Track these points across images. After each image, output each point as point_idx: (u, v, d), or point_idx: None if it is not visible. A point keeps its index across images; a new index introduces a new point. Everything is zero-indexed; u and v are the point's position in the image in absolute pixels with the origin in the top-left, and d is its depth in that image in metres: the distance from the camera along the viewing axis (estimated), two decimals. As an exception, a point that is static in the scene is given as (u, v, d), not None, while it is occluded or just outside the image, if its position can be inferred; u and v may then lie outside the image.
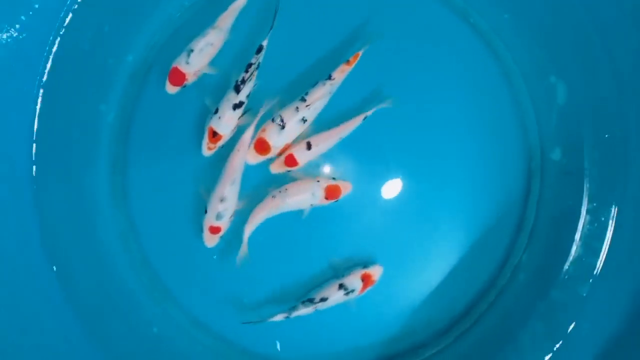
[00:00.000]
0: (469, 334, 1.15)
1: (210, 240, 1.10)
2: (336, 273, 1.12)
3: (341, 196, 1.10)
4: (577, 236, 1.10)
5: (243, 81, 1.07)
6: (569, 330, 1.07)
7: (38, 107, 1.15)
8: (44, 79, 1.15)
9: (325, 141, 1.09)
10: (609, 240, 1.07)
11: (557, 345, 1.07)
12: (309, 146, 1.08)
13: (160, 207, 1.15)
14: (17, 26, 1.10)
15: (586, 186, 1.10)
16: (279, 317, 1.08)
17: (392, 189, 1.14)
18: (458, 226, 1.14)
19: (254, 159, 1.09)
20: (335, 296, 1.08)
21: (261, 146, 1.07)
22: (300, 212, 1.11)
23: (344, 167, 1.14)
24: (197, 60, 1.10)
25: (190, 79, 1.11)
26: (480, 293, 1.15)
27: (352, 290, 1.08)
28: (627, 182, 1.06)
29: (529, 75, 1.15)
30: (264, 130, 1.07)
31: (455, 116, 1.14)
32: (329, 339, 1.15)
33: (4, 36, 1.09)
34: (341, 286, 1.08)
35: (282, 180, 1.10)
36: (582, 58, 1.10)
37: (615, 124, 1.08)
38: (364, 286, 1.09)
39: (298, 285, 1.14)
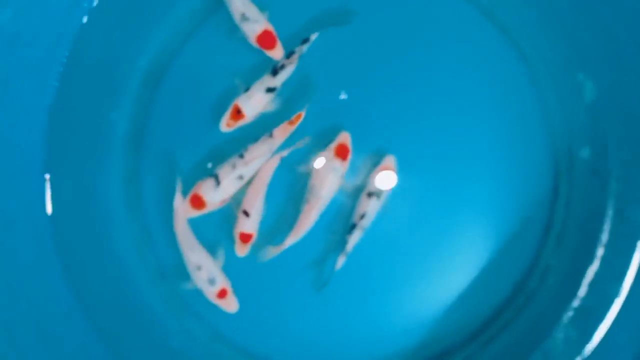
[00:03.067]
0: (497, 340, 1.12)
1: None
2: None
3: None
4: (606, 237, 1.08)
5: (282, 67, 1.06)
6: (601, 336, 1.05)
7: (49, 116, 1.12)
8: (55, 87, 1.12)
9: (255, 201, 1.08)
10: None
11: (589, 351, 1.05)
12: (246, 214, 1.08)
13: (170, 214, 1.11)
14: (27, 33, 1.07)
15: (614, 186, 1.08)
16: (340, 261, 1.08)
17: (415, 191, 1.12)
18: (484, 229, 1.12)
19: (190, 213, 1.08)
20: (371, 206, 1.07)
21: (196, 201, 1.07)
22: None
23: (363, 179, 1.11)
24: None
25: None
26: (509, 297, 1.13)
27: (380, 192, 1.07)
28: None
29: (555, 73, 1.13)
30: (199, 186, 1.06)
31: (480, 116, 1.12)
32: (354, 348, 1.13)
33: (14, 39, 1.06)
34: (370, 195, 1.07)
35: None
36: (610, 55, 1.08)
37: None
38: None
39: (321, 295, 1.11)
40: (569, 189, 1.13)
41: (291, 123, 1.08)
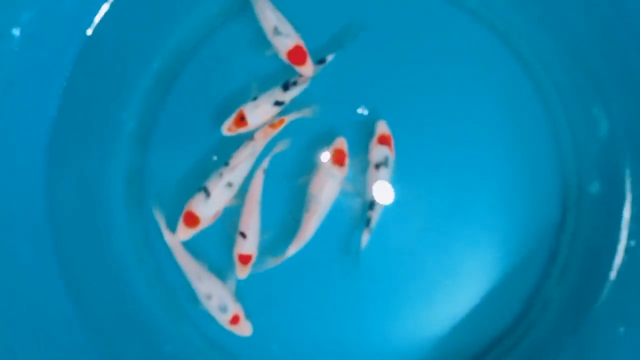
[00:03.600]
0: (494, 368, 1.11)
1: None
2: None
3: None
4: (613, 274, 1.07)
5: (295, 83, 1.06)
6: (600, 372, 1.04)
7: (55, 113, 1.11)
8: (64, 82, 1.11)
9: (251, 220, 1.07)
10: (647, 281, 1.04)
11: (585, 386, 1.04)
12: (243, 235, 1.07)
13: (177, 222, 1.10)
14: (40, 28, 1.06)
15: (625, 223, 1.07)
16: (364, 239, 1.07)
17: (419, 216, 1.11)
18: (489, 256, 1.11)
19: (185, 234, 1.07)
20: (382, 174, 1.07)
21: (189, 219, 1.06)
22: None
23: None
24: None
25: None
26: (509, 326, 1.11)
27: (385, 160, 1.07)
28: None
29: (570, 106, 1.12)
30: (190, 203, 1.05)
31: (491, 143, 1.12)
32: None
33: (25, 37, 1.05)
34: (377, 166, 1.06)
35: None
36: (627, 90, 1.07)
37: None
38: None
39: (318, 306, 1.11)
40: (576, 223, 1.12)
41: (273, 127, 1.07)
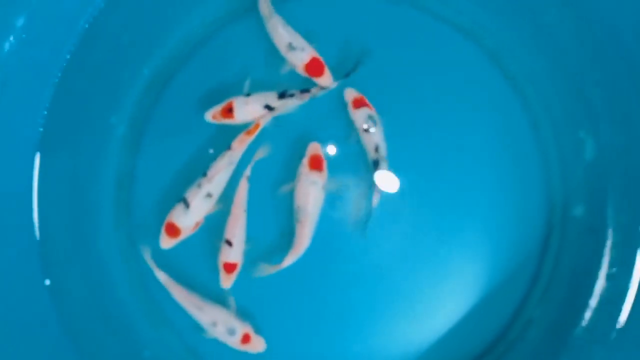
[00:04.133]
0: (472, 387, 1.11)
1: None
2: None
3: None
4: (594, 300, 1.07)
5: (291, 95, 1.06)
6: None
7: (46, 114, 1.11)
8: (55, 85, 1.11)
9: (236, 228, 1.07)
10: (629, 308, 1.04)
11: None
12: (230, 244, 1.07)
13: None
14: (33, 30, 1.06)
15: (608, 248, 1.07)
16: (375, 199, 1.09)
17: (404, 232, 1.11)
18: (470, 274, 1.11)
19: (167, 243, 1.07)
20: (376, 134, 1.07)
21: (170, 230, 1.06)
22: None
23: (356, 207, 1.11)
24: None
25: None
26: (489, 346, 1.11)
27: (372, 118, 1.06)
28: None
29: (558, 128, 1.12)
30: (171, 214, 1.06)
31: (478, 161, 1.12)
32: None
33: (18, 39, 1.05)
34: (366, 130, 1.07)
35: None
36: (615, 116, 1.08)
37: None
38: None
39: (305, 311, 1.11)
40: (559, 245, 1.12)
41: (249, 133, 1.07)
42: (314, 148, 1.08)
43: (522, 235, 1.12)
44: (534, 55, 1.13)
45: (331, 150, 1.11)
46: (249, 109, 1.07)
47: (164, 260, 1.10)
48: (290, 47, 1.07)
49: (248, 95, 1.08)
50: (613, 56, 1.07)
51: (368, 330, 1.10)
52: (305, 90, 1.08)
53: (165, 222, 1.06)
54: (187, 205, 1.05)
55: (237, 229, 1.07)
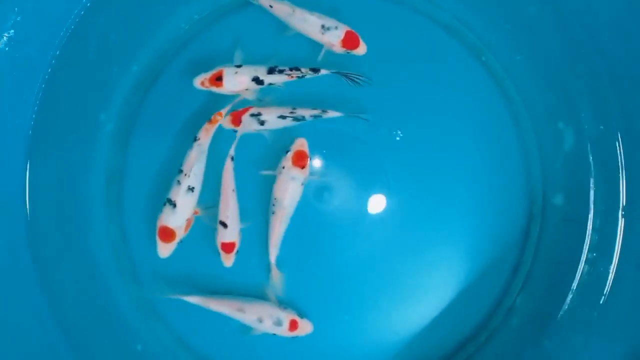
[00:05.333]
0: (456, 375, 1.13)
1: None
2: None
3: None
4: (574, 285, 1.09)
5: (281, 71, 1.07)
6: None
7: (35, 111, 1.12)
8: (44, 83, 1.12)
9: (228, 209, 1.08)
10: (607, 293, 1.06)
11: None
12: (224, 225, 1.08)
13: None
14: (21, 28, 1.07)
15: (587, 235, 1.10)
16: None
17: (390, 222, 1.13)
18: (453, 264, 1.13)
19: (165, 250, 1.09)
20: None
21: (165, 234, 1.07)
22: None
23: (345, 199, 1.13)
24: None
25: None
26: (471, 334, 1.14)
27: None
28: (630, 236, 1.05)
29: (537, 119, 1.14)
30: (160, 219, 1.07)
31: (460, 154, 1.14)
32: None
33: (6, 37, 1.06)
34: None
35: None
36: (593, 107, 1.10)
37: (621, 175, 1.08)
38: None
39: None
40: (540, 233, 1.14)
41: (211, 122, 1.08)
42: (300, 144, 1.09)
43: (503, 225, 1.14)
44: (514, 49, 1.14)
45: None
46: (238, 80, 1.08)
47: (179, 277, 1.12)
48: (324, 28, 1.08)
49: (239, 66, 1.09)
50: (590, 50, 1.09)
51: (352, 319, 1.12)
52: (295, 68, 1.08)
53: (158, 228, 1.07)
54: (173, 204, 1.06)
55: (229, 209, 1.08)
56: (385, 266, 1.12)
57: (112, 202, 1.16)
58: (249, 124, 1.09)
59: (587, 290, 1.08)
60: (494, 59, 1.15)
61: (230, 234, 1.08)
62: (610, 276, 1.06)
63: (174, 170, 1.11)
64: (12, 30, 1.06)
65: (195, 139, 1.08)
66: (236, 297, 1.10)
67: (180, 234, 1.08)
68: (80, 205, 1.15)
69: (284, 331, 1.08)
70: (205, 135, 1.08)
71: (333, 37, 1.09)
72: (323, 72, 1.09)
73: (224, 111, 1.09)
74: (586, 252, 1.10)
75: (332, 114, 1.10)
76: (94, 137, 1.15)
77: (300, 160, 1.08)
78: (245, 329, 1.09)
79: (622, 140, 1.08)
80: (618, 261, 1.06)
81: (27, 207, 1.12)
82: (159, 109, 1.15)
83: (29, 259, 1.10)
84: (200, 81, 1.08)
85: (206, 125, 1.08)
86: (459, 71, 1.15)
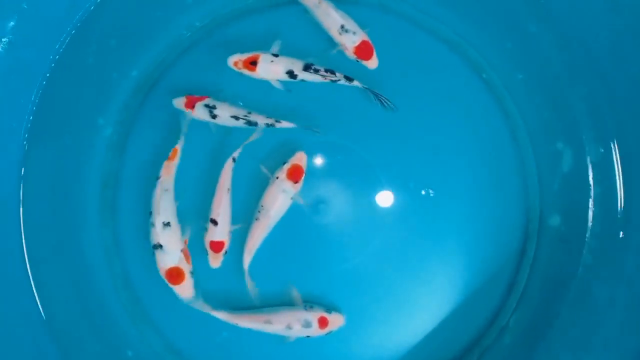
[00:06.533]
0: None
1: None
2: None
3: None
4: (568, 305, 1.09)
5: (316, 70, 1.07)
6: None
7: (33, 112, 1.12)
8: (43, 86, 1.12)
9: (221, 207, 1.08)
10: (601, 314, 1.06)
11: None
12: (214, 222, 1.07)
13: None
14: (21, 32, 1.07)
15: (583, 257, 1.10)
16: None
17: (385, 238, 1.13)
18: (448, 281, 1.12)
19: (185, 290, 1.07)
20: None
21: (173, 276, 1.06)
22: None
23: (340, 212, 1.13)
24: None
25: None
26: (463, 352, 1.13)
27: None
28: (624, 261, 1.06)
29: (536, 139, 1.14)
30: (158, 264, 1.06)
31: (457, 170, 1.14)
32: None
33: (5, 41, 1.06)
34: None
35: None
36: (592, 128, 1.10)
37: (619, 198, 1.08)
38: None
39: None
40: (535, 253, 1.14)
41: (170, 159, 1.08)
42: (298, 158, 1.09)
43: (499, 244, 1.14)
44: (514, 68, 1.14)
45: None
46: (272, 68, 1.07)
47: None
48: (343, 29, 1.08)
49: (276, 55, 1.08)
50: (590, 71, 1.09)
51: (345, 334, 1.11)
52: (330, 71, 1.08)
53: (164, 275, 1.06)
54: (159, 247, 1.05)
55: (221, 208, 1.07)
56: (379, 282, 1.12)
57: (107, 207, 1.15)
58: (200, 113, 1.09)
59: (580, 311, 1.08)
60: (495, 76, 1.15)
61: (220, 233, 1.08)
62: (604, 297, 1.06)
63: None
64: (12, 34, 1.06)
65: (157, 178, 1.08)
66: (260, 310, 1.09)
67: (186, 267, 1.07)
68: (74, 209, 1.15)
69: (315, 331, 1.07)
70: (167, 172, 1.08)
71: (348, 41, 1.09)
72: (356, 83, 1.09)
73: (179, 146, 1.09)
74: (580, 272, 1.10)
75: (285, 124, 1.09)
76: (91, 142, 1.15)
77: (295, 175, 1.08)
78: (279, 339, 1.09)
79: (620, 163, 1.08)
80: (612, 283, 1.06)
81: (21, 209, 1.12)
82: (157, 114, 1.15)
83: (22, 263, 1.10)
84: (235, 61, 1.08)
85: (166, 163, 1.08)
86: (460, 87, 1.15)
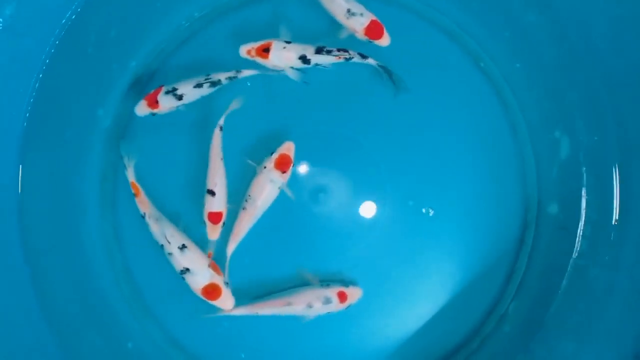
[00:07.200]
0: (447, 380, 1.14)
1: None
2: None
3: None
4: (566, 292, 1.10)
5: (329, 52, 1.07)
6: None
7: (31, 104, 1.11)
8: (41, 76, 1.11)
9: (216, 176, 1.08)
10: (598, 301, 1.06)
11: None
12: (212, 193, 1.08)
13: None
14: (19, 19, 1.06)
15: (579, 244, 1.10)
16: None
17: (385, 227, 1.13)
18: (447, 270, 1.13)
19: (226, 302, 1.08)
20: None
21: (210, 293, 1.06)
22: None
23: (340, 202, 1.13)
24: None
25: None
26: (464, 340, 1.14)
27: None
28: (622, 246, 1.06)
29: (534, 127, 1.15)
30: (192, 286, 1.07)
31: (456, 159, 1.14)
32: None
33: (2, 27, 1.05)
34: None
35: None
36: (589, 117, 1.11)
37: (615, 185, 1.08)
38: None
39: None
40: (534, 241, 1.15)
41: (137, 195, 1.10)
42: (286, 147, 1.09)
43: (498, 232, 1.14)
44: (511, 57, 1.15)
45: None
46: (284, 55, 1.07)
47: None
48: (350, 13, 1.08)
49: (288, 42, 1.08)
50: (587, 60, 1.10)
51: (346, 324, 1.12)
52: (343, 50, 1.08)
53: (201, 294, 1.07)
54: (186, 271, 1.06)
55: (217, 177, 1.07)
56: (378, 271, 1.12)
57: (106, 199, 1.15)
58: (167, 103, 1.08)
59: (578, 298, 1.09)
60: (492, 65, 1.16)
61: (218, 203, 1.07)
62: (602, 284, 1.07)
63: (170, 168, 1.13)
64: (9, 21, 1.05)
65: (142, 217, 1.09)
66: (279, 295, 1.09)
67: (219, 279, 1.07)
68: (73, 201, 1.14)
69: (336, 306, 1.07)
70: (144, 206, 1.09)
71: (357, 24, 1.08)
72: (370, 61, 1.09)
73: (132, 179, 1.09)
74: (577, 259, 1.10)
75: (246, 72, 1.09)
76: (90, 133, 1.14)
77: (282, 164, 1.08)
78: (298, 319, 1.09)
79: (616, 150, 1.09)
80: (609, 269, 1.07)
81: (20, 202, 1.11)
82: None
83: (21, 255, 1.09)
84: (247, 50, 1.08)
85: (137, 200, 1.10)
86: (457, 76, 1.15)
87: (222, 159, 1.08)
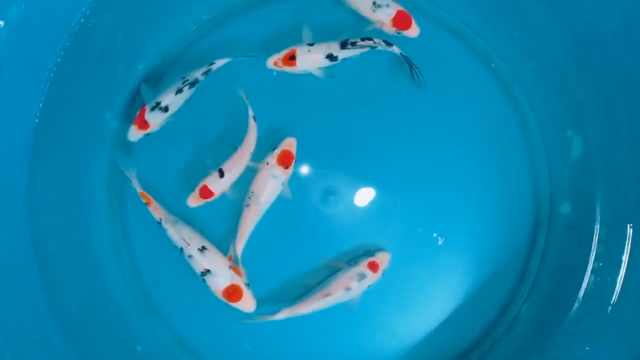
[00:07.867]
0: (459, 383, 1.13)
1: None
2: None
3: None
4: (580, 294, 1.09)
5: (354, 44, 1.06)
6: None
7: (40, 108, 1.11)
8: (50, 79, 1.11)
9: (236, 165, 1.07)
10: (613, 303, 1.05)
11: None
12: (221, 174, 1.06)
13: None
14: (27, 22, 1.05)
15: (594, 245, 1.09)
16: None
17: (396, 227, 1.13)
18: (459, 270, 1.12)
19: (247, 305, 1.07)
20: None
21: (231, 295, 1.05)
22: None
23: (350, 203, 1.13)
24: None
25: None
26: (475, 342, 1.13)
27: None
28: (637, 246, 1.05)
29: (545, 127, 1.14)
30: (212, 288, 1.06)
31: (467, 160, 1.14)
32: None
33: (11, 31, 1.05)
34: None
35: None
36: (601, 116, 1.10)
37: (630, 185, 1.07)
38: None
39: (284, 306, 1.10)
40: (547, 241, 1.14)
41: (148, 204, 1.09)
42: (288, 143, 1.08)
43: (509, 233, 1.14)
44: (522, 57, 1.15)
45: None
46: (311, 58, 1.07)
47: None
48: (375, 5, 1.07)
49: (311, 44, 1.08)
50: (597, 58, 1.09)
51: (358, 325, 1.12)
52: (367, 38, 1.07)
53: (222, 294, 1.06)
54: (207, 272, 1.05)
55: (235, 165, 1.07)
56: (390, 272, 1.11)
57: (115, 200, 1.15)
58: (156, 119, 1.08)
59: (592, 300, 1.08)
60: (503, 65, 1.15)
61: (218, 186, 1.07)
62: (617, 286, 1.06)
63: (177, 169, 1.13)
64: (18, 24, 1.05)
65: (158, 223, 1.08)
66: (315, 289, 1.08)
67: (240, 280, 1.06)
68: (82, 202, 1.14)
69: (372, 278, 1.06)
70: (158, 213, 1.08)
71: (384, 15, 1.07)
72: (394, 48, 1.08)
73: (139, 189, 1.09)
74: (592, 261, 1.09)
75: (219, 62, 1.08)
76: (98, 135, 1.14)
77: (285, 160, 1.07)
78: (289, 330, 1.09)
79: (630, 150, 1.08)
80: (625, 271, 1.06)
81: (30, 203, 1.10)
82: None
83: (31, 256, 1.09)
84: (274, 61, 1.08)
85: (150, 208, 1.09)
86: (468, 77, 1.15)
87: (250, 153, 1.08)
